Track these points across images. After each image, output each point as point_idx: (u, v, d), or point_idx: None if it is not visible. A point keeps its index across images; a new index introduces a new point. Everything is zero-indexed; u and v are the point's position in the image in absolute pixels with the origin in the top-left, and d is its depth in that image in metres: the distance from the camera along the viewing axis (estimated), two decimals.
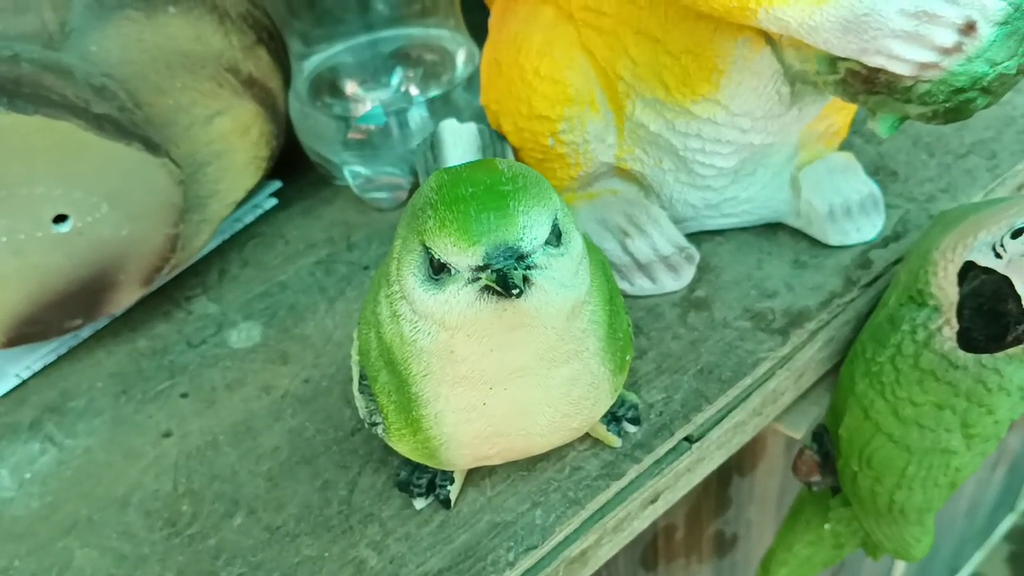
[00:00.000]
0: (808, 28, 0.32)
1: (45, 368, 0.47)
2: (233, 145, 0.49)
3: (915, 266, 0.40)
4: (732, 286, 0.45)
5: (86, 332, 0.48)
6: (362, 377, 0.34)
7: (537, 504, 0.37)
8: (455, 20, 0.55)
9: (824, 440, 0.46)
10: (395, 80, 0.53)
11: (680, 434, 0.39)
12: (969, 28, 0.30)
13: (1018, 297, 0.34)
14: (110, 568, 0.37)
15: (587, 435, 0.39)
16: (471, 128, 0.45)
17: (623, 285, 0.45)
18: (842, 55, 0.33)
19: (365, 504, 0.38)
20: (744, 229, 0.48)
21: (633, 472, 0.38)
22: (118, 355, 0.47)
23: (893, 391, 0.40)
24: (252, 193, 0.53)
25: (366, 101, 0.52)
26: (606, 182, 0.47)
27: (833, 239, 0.46)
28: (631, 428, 0.39)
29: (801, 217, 0.47)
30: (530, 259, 0.27)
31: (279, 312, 0.48)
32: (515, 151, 0.46)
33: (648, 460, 0.38)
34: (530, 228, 0.27)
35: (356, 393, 0.35)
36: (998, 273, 0.35)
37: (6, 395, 0.46)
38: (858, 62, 0.33)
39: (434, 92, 0.53)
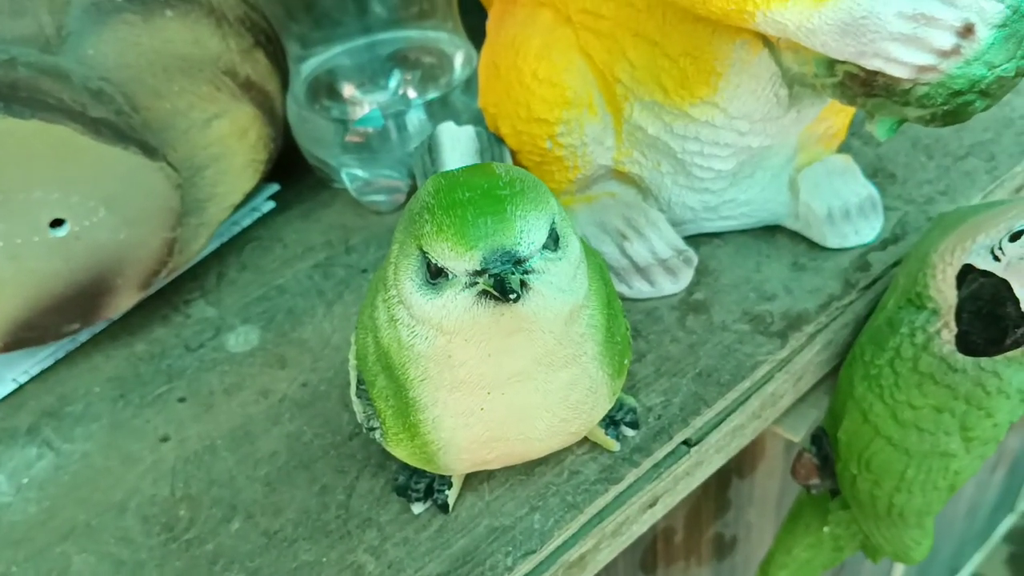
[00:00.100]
0: (806, 31, 0.32)
1: (42, 373, 0.47)
2: (231, 148, 0.49)
3: (914, 269, 0.40)
4: (731, 289, 0.45)
5: (84, 336, 0.48)
6: (360, 382, 0.34)
7: (535, 508, 0.37)
8: (453, 22, 0.54)
9: (823, 443, 0.46)
10: (393, 83, 0.53)
11: (679, 438, 0.39)
12: (967, 31, 0.30)
13: (1016, 300, 0.34)
14: (108, 573, 0.37)
15: (585, 439, 0.39)
16: (469, 131, 0.45)
17: (621, 288, 0.45)
18: (840, 58, 0.33)
19: (363, 509, 0.38)
20: (743, 232, 0.48)
21: (632, 476, 0.38)
22: (116, 359, 0.47)
23: (892, 394, 0.40)
24: (250, 196, 0.53)
25: (364, 104, 0.52)
26: (604, 185, 0.47)
27: (832, 242, 0.46)
28: (629, 432, 0.39)
29: (800, 220, 0.46)
30: (527, 264, 0.27)
31: (277, 316, 0.48)
32: (513, 154, 0.46)
33: (647, 464, 0.38)
34: (527, 232, 0.27)
35: (354, 398, 0.35)
36: (997, 276, 0.35)
37: (3, 400, 0.46)
38: (856, 65, 0.33)
39: (432, 95, 0.53)
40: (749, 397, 0.41)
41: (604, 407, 0.34)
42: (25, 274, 0.43)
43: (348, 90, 0.53)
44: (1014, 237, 0.35)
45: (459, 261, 0.27)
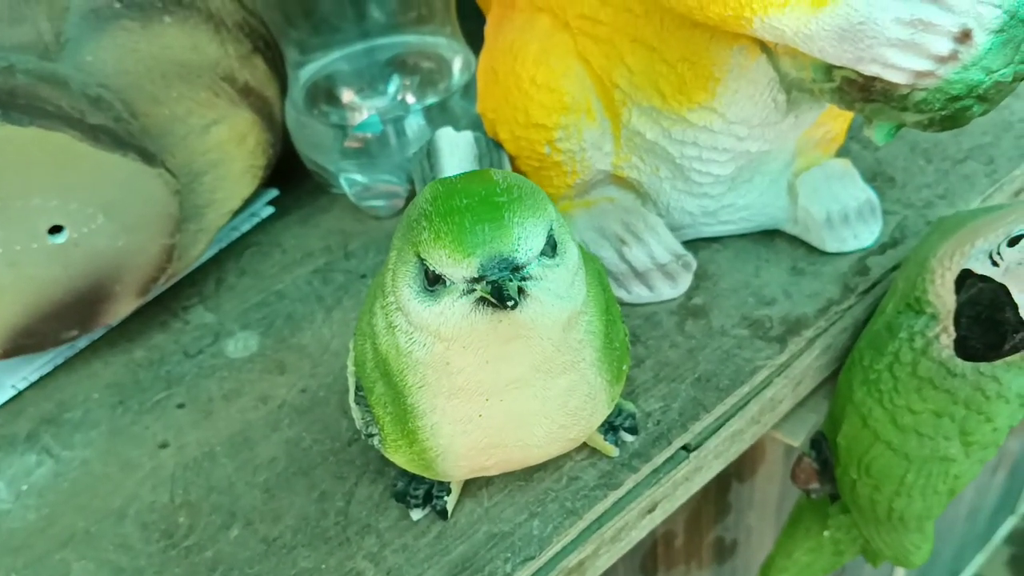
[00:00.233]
0: (803, 37, 0.32)
1: (41, 379, 0.47)
2: (229, 154, 0.49)
3: (912, 273, 0.40)
4: (730, 293, 0.45)
5: (83, 343, 0.48)
6: (358, 388, 0.34)
7: (535, 514, 0.37)
8: (451, 27, 0.55)
9: (822, 447, 0.46)
10: (392, 88, 0.53)
11: (678, 443, 0.39)
12: (965, 36, 0.30)
13: (1015, 305, 0.34)
14: None
15: (584, 445, 0.39)
16: (467, 136, 0.45)
17: (620, 293, 0.45)
18: (838, 64, 0.33)
19: (362, 515, 0.38)
20: (742, 236, 0.48)
21: (631, 482, 0.38)
22: (115, 366, 0.47)
23: (891, 399, 0.40)
24: (249, 202, 0.53)
25: (362, 109, 0.52)
26: (603, 190, 0.47)
27: (831, 246, 0.46)
28: (628, 437, 0.39)
29: (799, 224, 0.46)
30: (525, 270, 0.27)
31: (276, 321, 0.48)
32: (512, 159, 0.46)
33: (646, 469, 0.38)
34: (525, 239, 0.27)
35: (352, 404, 0.35)
36: (995, 281, 0.35)
37: (2, 407, 0.46)
38: (854, 70, 0.33)
39: (431, 100, 0.53)
40: (748, 402, 0.41)
41: (603, 413, 0.34)
42: (24, 281, 0.43)
43: (347, 95, 0.53)
44: (1012, 242, 0.35)
45: (457, 268, 0.27)
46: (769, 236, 0.48)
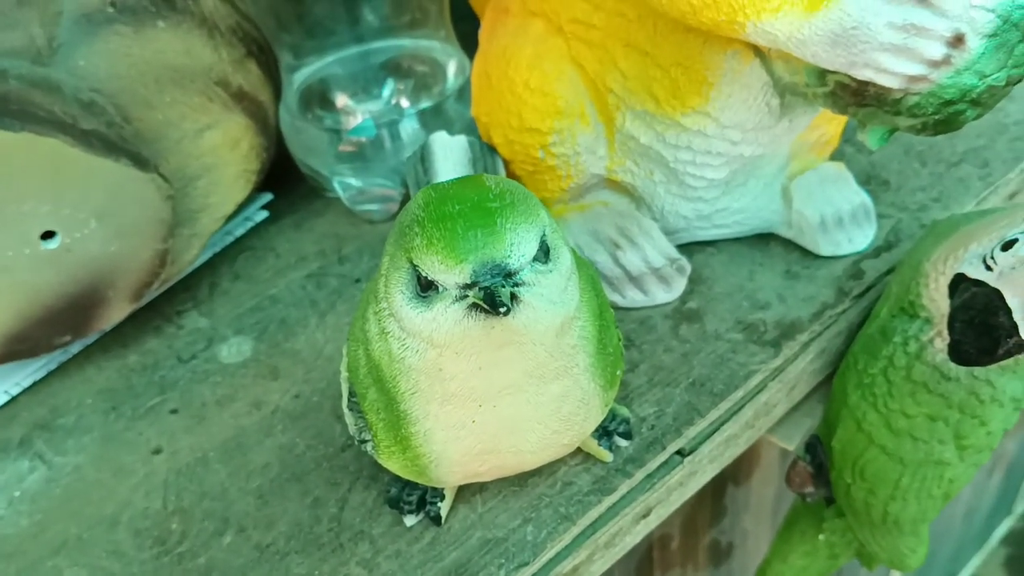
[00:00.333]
0: (796, 42, 0.32)
1: (35, 385, 0.47)
2: (223, 159, 0.49)
3: (906, 278, 0.40)
4: (724, 297, 0.45)
5: (76, 348, 0.48)
6: (351, 394, 0.34)
7: (528, 520, 0.37)
8: (445, 31, 0.54)
9: (817, 451, 0.46)
10: (386, 92, 0.53)
11: (672, 448, 0.39)
12: (958, 41, 0.30)
13: (1008, 310, 0.34)
14: None
15: (579, 450, 0.39)
16: (461, 141, 0.45)
17: (615, 297, 0.45)
18: (831, 68, 0.33)
19: (356, 521, 0.38)
20: (736, 240, 0.48)
21: (625, 487, 0.38)
22: (108, 371, 0.47)
23: (885, 403, 0.40)
24: (243, 206, 0.53)
25: (357, 113, 0.52)
26: (597, 194, 0.47)
27: (825, 249, 0.46)
28: (623, 442, 0.39)
29: (793, 227, 0.46)
30: (518, 276, 0.27)
31: (270, 326, 0.48)
32: (506, 163, 0.46)
33: (640, 475, 0.38)
34: (517, 245, 0.27)
35: (345, 410, 0.35)
36: (989, 286, 0.35)
37: None
38: (847, 75, 0.33)
39: (425, 103, 0.53)
40: (743, 406, 0.41)
41: (596, 419, 0.34)
42: (16, 286, 0.43)
43: (341, 100, 0.53)
44: (1006, 246, 0.35)
45: (449, 274, 0.27)
46: (763, 240, 0.48)
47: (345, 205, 0.54)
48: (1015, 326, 0.34)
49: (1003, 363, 0.37)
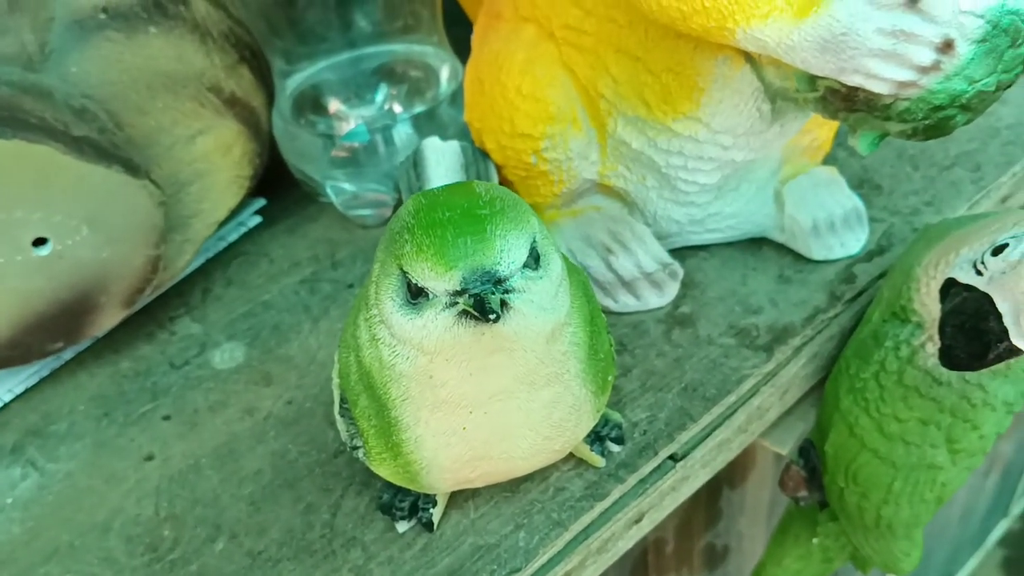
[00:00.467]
0: (786, 48, 0.32)
1: (26, 391, 0.47)
2: (215, 164, 0.49)
3: (898, 282, 0.40)
4: (716, 302, 0.45)
5: (68, 354, 0.48)
6: (343, 400, 0.34)
7: (520, 526, 0.37)
8: (438, 36, 0.54)
9: (811, 455, 0.46)
10: (379, 97, 0.53)
11: (664, 453, 0.39)
12: (947, 46, 0.30)
13: (999, 315, 0.34)
14: None
15: (571, 455, 0.39)
16: (454, 146, 0.45)
17: (607, 302, 0.45)
18: (820, 74, 0.33)
19: (348, 528, 0.38)
20: (729, 244, 0.48)
21: (617, 492, 0.38)
22: (100, 377, 0.47)
23: (878, 407, 0.40)
24: (236, 212, 0.53)
25: (350, 119, 0.52)
26: (590, 199, 0.47)
27: (817, 254, 0.46)
28: (615, 447, 0.39)
29: (785, 232, 0.46)
30: (508, 283, 0.27)
31: (263, 332, 0.48)
32: (499, 169, 0.46)
33: (632, 480, 0.38)
34: (507, 252, 0.27)
35: (337, 416, 0.35)
36: (979, 290, 0.35)
37: None
38: (837, 80, 0.33)
39: (418, 108, 0.53)
40: (735, 411, 0.41)
41: (588, 424, 0.34)
42: (8, 293, 0.42)
43: (334, 105, 0.53)
44: (996, 251, 0.35)
45: (439, 281, 0.27)
46: (756, 244, 0.48)
47: (338, 210, 0.54)
48: (1005, 331, 0.34)
49: (995, 367, 0.37)
